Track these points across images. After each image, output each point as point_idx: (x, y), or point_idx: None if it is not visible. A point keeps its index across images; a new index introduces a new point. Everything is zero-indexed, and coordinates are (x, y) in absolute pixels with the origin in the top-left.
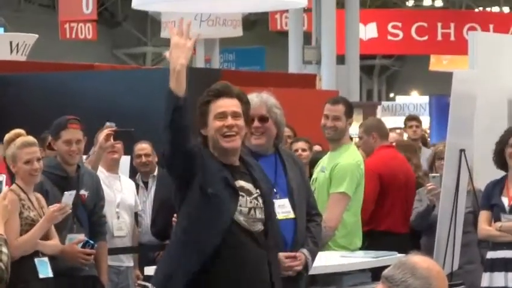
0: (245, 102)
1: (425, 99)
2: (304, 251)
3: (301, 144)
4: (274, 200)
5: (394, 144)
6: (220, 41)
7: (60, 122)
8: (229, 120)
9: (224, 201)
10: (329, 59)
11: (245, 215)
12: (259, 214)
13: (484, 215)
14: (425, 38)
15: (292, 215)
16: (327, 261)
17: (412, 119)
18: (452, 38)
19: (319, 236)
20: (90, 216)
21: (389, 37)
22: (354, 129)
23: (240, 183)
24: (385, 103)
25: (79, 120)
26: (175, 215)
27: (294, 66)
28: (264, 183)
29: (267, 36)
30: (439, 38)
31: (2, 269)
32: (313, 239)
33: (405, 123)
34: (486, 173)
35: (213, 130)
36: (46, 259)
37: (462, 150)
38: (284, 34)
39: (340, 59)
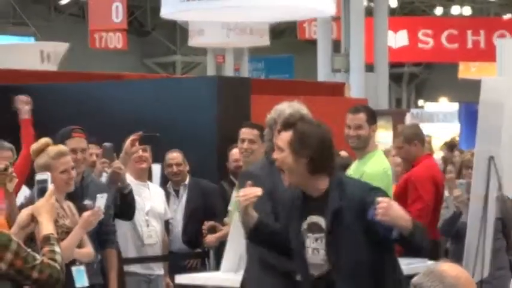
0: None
1: (455, 106)
2: None
3: None
4: None
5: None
6: (249, 49)
7: (64, 132)
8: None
9: None
10: (358, 67)
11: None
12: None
13: None
14: (456, 45)
15: None
16: None
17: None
18: (482, 45)
19: None
20: (97, 225)
21: (420, 45)
22: (383, 136)
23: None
24: (414, 110)
25: (83, 129)
26: (205, 222)
27: (322, 74)
28: None
29: (296, 44)
30: (469, 45)
31: (57, 270)
32: None
33: None
34: None
35: None
36: (83, 267)
37: (491, 158)
38: (313, 42)
39: (369, 67)
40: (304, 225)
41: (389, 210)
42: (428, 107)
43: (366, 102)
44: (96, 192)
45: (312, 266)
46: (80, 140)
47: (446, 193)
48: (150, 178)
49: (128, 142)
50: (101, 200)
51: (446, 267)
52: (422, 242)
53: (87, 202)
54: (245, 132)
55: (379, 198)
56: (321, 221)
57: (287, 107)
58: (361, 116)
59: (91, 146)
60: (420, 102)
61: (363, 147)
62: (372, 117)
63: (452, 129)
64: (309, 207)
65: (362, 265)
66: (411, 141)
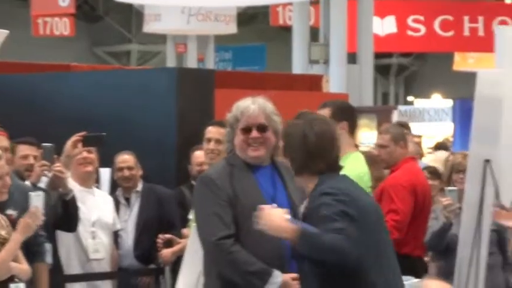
0: None
1: (449, 103)
2: None
3: None
4: None
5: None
6: (216, 38)
7: None
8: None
9: None
10: (338, 58)
11: None
12: None
13: None
14: (451, 33)
15: None
16: None
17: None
18: (480, 33)
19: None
20: None
21: (410, 32)
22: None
23: None
24: (402, 107)
25: (2, 126)
26: (160, 235)
27: (298, 66)
28: None
29: (268, 32)
30: (466, 33)
31: None
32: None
33: None
34: None
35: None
36: (22, 286)
37: (487, 161)
38: (287, 30)
39: (352, 58)
40: None
41: (267, 219)
42: (419, 103)
43: (347, 97)
44: (21, 200)
45: None
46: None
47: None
48: (97, 184)
49: (69, 143)
50: (37, 199)
51: (433, 285)
52: (311, 254)
53: (10, 212)
54: (211, 131)
55: (260, 206)
56: None
57: (251, 103)
58: (326, 112)
59: (27, 147)
60: (410, 98)
61: None
62: (340, 112)
63: (445, 129)
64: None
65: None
66: (398, 141)
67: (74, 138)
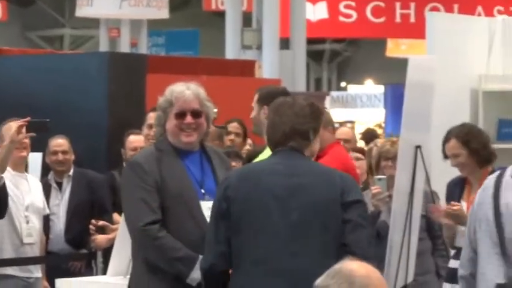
0: None
1: (381, 89)
2: None
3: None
4: (202, 202)
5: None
6: (149, 22)
7: None
8: None
9: None
10: (271, 43)
11: None
12: None
13: None
14: (382, 19)
15: None
16: None
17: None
18: (412, 19)
19: None
20: None
21: (341, 18)
22: None
23: None
24: (335, 93)
25: None
26: (92, 221)
27: (231, 51)
28: None
29: (201, 17)
30: (398, 19)
31: None
32: None
33: None
34: (445, 172)
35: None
36: None
37: (418, 147)
38: (220, 15)
39: (284, 43)
40: None
41: None
42: (352, 89)
43: (280, 83)
44: None
45: None
46: None
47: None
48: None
49: (14, 128)
50: None
51: (355, 266)
52: None
53: None
54: (153, 117)
55: None
56: None
57: (186, 88)
58: (254, 97)
59: None
60: (343, 83)
61: (260, 132)
62: (265, 97)
63: (377, 115)
64: None
65: None
66: (326, 126)
67: (19, 123)
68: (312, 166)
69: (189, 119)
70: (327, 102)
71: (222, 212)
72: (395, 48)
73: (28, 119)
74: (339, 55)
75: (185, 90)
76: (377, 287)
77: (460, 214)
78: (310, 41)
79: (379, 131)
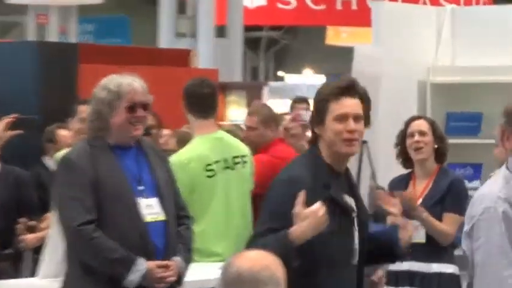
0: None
1: (321, 78)
2: (177, 259)
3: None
4: (140, 199)
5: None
6: (80, 8)
7: None
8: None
9: None
10: (207, 31)
11: None
12: None
13: None
14: (323, 6)
15: (162, 217)
16: (203, 274)
17: (302, 101)
18: (354, 6)
19: (191, 242)
20: None
21: (280, 5)
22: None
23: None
24: (273, 83)
25: None
26: (21, 219)
27: (165, 39)
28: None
29: (133, 3)
30: (339, 6)
31: None
32: (186, 245)
33: (292, 107)
34: (391, 167)
35: (332, 132)
36: None
37: (364, 142)
38: (153, 1)
39: (220, 31)
40: None
41: None
42: (290, 79)
43: (216, 73)
44: None
45: None
46: None
47: None
48: None
49: (1, 125)
50: None
51: (239, 263)
52: None
53: None
54: (85, 111)
55: None
56: None
57: (132, 80)
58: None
59: None
60: (280, 73)
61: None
62: (183, 94)
63: None
64: None
65: None
66: (268, 124)
67: (7, 120)
68: None
69: (140, 112)
70: (265, 93)
71: None
72: (335, 36)
73: (16, 115)
74: (277, 43)
75: (133, 82)
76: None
77: (413, 198)
78: (246, 29)
79: None
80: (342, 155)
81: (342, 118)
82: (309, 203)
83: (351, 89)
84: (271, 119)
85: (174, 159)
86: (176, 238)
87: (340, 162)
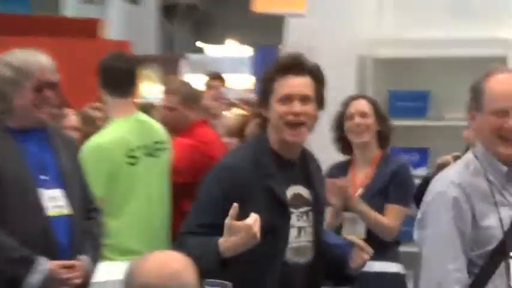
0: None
1: (248, 51)
2: (84, 258)
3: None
4: (43, 190)
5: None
6: None
7: None
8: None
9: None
10: None
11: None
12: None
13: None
14: None
15: (67, 211)
16: (115, 274)
17: (216, 78)
18: None
19: (100, 238)
20: None
21: None
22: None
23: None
24: (191, 56)
25: None
26: None
27: (69, 6)
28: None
29: None
30: None
31: None
32: (94, 242)
33: (207, 84)
34: (328, 154)
35: (276, 115)
36: None
37: None
38: None
39: None
40: None
41: None
42: (211, 51)
43: (128, 45)
44: None
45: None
46: None
47: None
48: None
49: None
50: None
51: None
52: None
53: None
54: None
55: None
56: None
57: (40, 57)
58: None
59: None
60: (200, 44)
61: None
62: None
63: (244, 82)
64: None
65: None
66: (189, 104)
67: None
68: None
69: (49, 93)
70: (182, 67)
71: None
72: (264, 2)
73: None
74: (195, 10)
75: (41, 59)
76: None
77: (345, 187)
78: None
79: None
80: (288, 142)
81: (286, 99)
82: (246, 195)
83: (298, 66)
84: (193, 98)
85: (91, 143)
86: (83, 234)
87: (290, 150)
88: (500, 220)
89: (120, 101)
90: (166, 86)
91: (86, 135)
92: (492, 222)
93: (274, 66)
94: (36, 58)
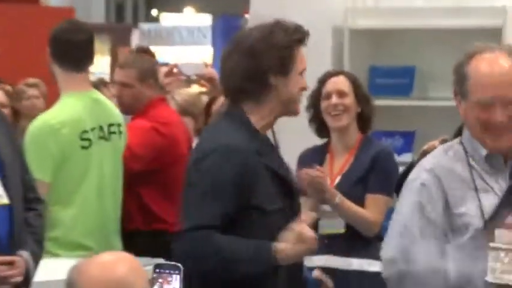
0: None
1: (207, 19)
2: (25, 254)
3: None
4: None
5: None
6: None
7: None
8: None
9: None
10: None
11: None
12: None
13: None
14: None
15: (5, 200)
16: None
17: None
18: None
19: (43, 231)
20: None
21: None
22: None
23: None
24: (144, 25)
25: None
26: None
27: None
28: None
29: None
30: None
31: None
32: (36, 236)
33: None
34: (302, 136)
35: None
36: None
37: None
38: None
39: None
40: None
41: None
42: (167, 20)
43: (72, 12)
44: None
45: None
46: None
47: None
48: None
49: None
50: None
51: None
52: None
53: None
54: None
55: None
56: None
57: None
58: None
59: None
60: (153, 11)
61: None
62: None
63: (203, 55)
64: None
65: None
66: (145, 79)
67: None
68: None
69: None
70: (135, 38)
71: None
72: None
73: None
74: None
75: None
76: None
77: (321, 177)
78: None
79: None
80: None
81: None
82: (255, 178)
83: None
84: (150, 73)
85: (39, 122)
86: (24, 227)
87: (269, 128)
88: (480, 208)
89: (73, 75)
90: (121, 60)
91: (15, 113)
92: (469, 209)
93: (290, 35)
94: None
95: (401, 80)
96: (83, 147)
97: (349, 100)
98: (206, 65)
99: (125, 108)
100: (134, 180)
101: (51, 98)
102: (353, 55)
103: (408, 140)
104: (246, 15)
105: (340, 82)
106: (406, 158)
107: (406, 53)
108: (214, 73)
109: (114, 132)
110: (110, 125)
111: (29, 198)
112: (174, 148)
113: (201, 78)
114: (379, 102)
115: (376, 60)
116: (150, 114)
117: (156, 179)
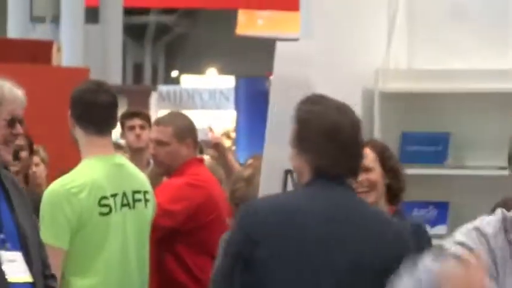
0: None
1: (230, 82)
2: None
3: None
4: (1, 252)
5: None
6: None
7: None
8: None
9: None
10: (73, 14)
11: None
12: None
13: None
14: None
15: (29, 279)
16: None
17: (134, 116)
18: None
19: None
20: None
21: None
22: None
23: None
24: (163, 87)
25: None
26: None
27: (16, 25)
28: None
29: None
30: None
31: None
32: None
33: (122, 123)
34: None
35: None
36: None
37: (288, 172)
38: None
39: (92, 15)
40: None
41: None
42: (187, 81)
43: (87, 73)
44: None
45: None
46: None
47: None
48: None
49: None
50: None
51: None
52: None
53: None
54: None
55: None
56: None
57: (14, 88)
58: None
59: None
60: (174, 73)
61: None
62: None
63: (225, 119)
64: None
65: None
66: (184, 139)
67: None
68: None
69: (19, 128)
70: (153, 100)
71: None
72: (249, 23)
73: None
74: (169, 31)
75: (14, 89)
76: None
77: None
78: (126, 12)
79: (228, 143)
80: None
81: None
82: None
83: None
84: (189, 132)
85: (55, 187)
86: None
87: None
88: None
89: (95, 139)
90: (158, 117)
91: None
92: None
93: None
94: (10, 87)
95: (435, 148)
96: (102, 214)
97: (375, 175)
98: (210, 130)
99: (161, 168)
100: (169, 237)
101: (66, 160)
102: (384, 120)
103: (442, 211)
104: (271, 77)
105: (365, 155)
106: (440, 230)
107: (441, 118)
108: (220, 139)
109: (139, 200)
110: (135, 192)
111: (45, 275)
112: (214, 205)
113: (205, 145)
114: (411, 170)
115: (408, 125)
116: (186, 173)
117: (193, 236)
